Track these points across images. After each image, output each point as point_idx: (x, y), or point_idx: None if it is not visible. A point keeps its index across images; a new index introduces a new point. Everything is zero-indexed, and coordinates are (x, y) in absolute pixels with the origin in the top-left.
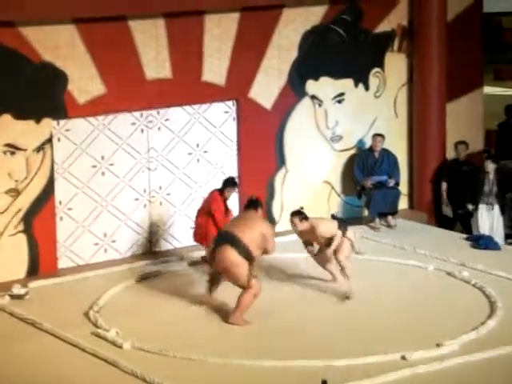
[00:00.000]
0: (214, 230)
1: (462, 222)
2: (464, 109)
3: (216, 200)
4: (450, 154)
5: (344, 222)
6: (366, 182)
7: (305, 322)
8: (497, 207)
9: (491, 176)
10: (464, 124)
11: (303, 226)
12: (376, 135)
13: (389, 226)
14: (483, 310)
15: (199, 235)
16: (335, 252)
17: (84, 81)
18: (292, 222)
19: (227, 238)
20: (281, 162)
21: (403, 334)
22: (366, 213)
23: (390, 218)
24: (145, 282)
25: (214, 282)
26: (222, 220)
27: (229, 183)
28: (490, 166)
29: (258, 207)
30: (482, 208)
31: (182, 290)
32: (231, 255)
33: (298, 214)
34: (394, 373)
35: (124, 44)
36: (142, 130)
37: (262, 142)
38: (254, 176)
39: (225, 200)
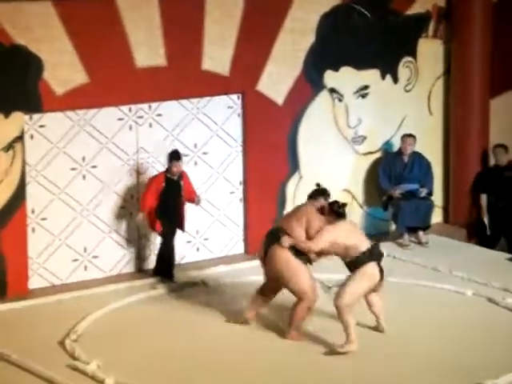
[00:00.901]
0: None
1: (507, 239)
2: (510, 106)
3: (154, 178)
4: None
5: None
6: (393, 190)
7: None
8: None
9: None
10: (510, 124)
11: None
12: (406, 136)
13: (420, 242)
14: None
15: (148, 221)
16: None
17: (62, 68)
18: None
19: (277, 235)
20: (294, 166)
21: (437, 371)
22: (393, 227)
23: (421, 233)
24: (131, 305)
25: (263, 295)
26: (156, 197)
27: (173, 156)
28: None
29: (316, 197)
30: None
31: (174, 315)
32: (282, 254)
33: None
34: None
35: (110, 25)
36: (131, 127)
37: (271, 142)
38: (262, 182)
39: (172, 175)
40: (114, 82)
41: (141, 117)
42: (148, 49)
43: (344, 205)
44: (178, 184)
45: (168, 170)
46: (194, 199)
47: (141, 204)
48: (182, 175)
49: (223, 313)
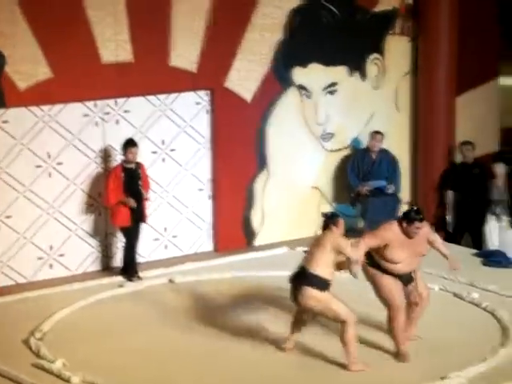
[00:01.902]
0: (122, 205)
1: (472, 236)
2: (477, 103)
3: (110, 172)
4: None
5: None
6: (361, 187)
7: (281, 356)
8: (507, 218)
9: (500, 182)
10: (476, 121)
11: None
12: (374, 133)
13: None
14: (494, 337)
15: (111, 217)
16: None
17: (26, 63)
18: None
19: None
20: (262, 163)
21: (403, 365)
22: (361, 223)
23: None
24: (98, 304)
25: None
26: (117, 191)
27: (128, 143)
28: (499, 171)
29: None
30: (491, 219)
31: (141, 313)
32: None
33: None
34: None
35: (75, 19)
36: (97, 123)
37: (240, 139)
38: (231, 180)
39: (129, 164)
40: (79, 77)
41: (107, 113)
42: (114, 44)
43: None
44: (136, 173)
45: (124, 161)
46: (146, 192)
47: (107, 199)
48: (139, 165)
49: (191, 311)
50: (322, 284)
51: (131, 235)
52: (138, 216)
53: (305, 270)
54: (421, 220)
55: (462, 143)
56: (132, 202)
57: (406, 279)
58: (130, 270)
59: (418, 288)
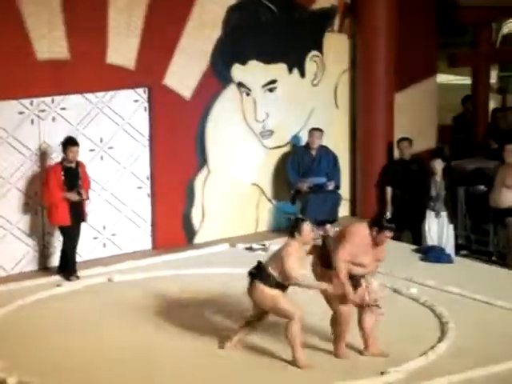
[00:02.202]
0: (60, 204)
1: (412, 231)
2: (415, 100)
3: (49, 170)
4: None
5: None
6: (301, 184)
7: (224, 357)
8: (445, 214)
9: (438, 178)
10: (415, 117)
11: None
12: (313, 130)
13: (327, 236)
14: (433, 331)
15: (49, 216)
16: None
17: None
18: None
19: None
20: (202, 161)
21: (341, 360)
22: None
23: (328, 226)
24: (35, 304)
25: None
26: (56, 189)
27: (68, 142)
28: (437, 167)
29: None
30: (430, 215)
31: (79, 313)
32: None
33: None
34: None
35: (8, 15)
36: (33, 121)
37: (179, 137)
38: (170, 177)
39: (69, 163)
40: (14, 75)
41: (43, 110)
42: (49, 41)
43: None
44: (76, 172)
45: (64, 159)
46: (85, 191)
47: (46, 197)
48: (79, 164)
49: (130, 309)
50: (274, 283)
51: (70, 234)
52: (78, 215)
53: (261, 267)
54: (392, 229)
55: (400, 140)
56: (74, 196)
57: (356, 281)
58: (68, 269)
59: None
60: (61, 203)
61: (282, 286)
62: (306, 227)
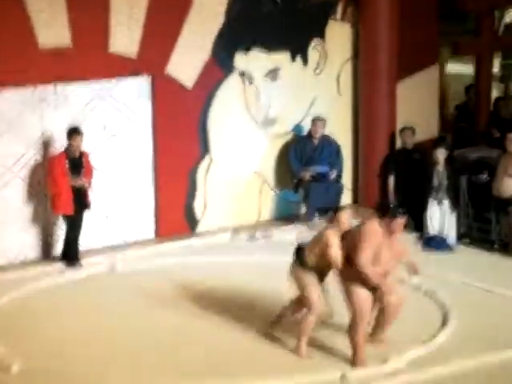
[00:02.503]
0: (64, 193)
1: (414, 220)
2: (417, 89)
3: (54, 159)
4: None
5: None
6: (303, 173)
7: (224, 341)
8: (447, 203)
9: (440, 167)
10: (417, 106)
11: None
12: (316, 119)
13: None
14: (434, 320)
15: (52, 205)
16: None
17: None
18: None
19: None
20: (204, 150)
21: (343, 348)
22: (303, 209)
23: None
24: (38, 292)
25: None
26: (61, 178)
27: (73, 130)
28: (440, 156)
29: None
30: (432, 204)
31: (82, 300)
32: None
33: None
34: None
35: (11, 3)
36: (35, 109)
37: (181, 125)
38: (172, 167)
39: (74, 152)
40: (16, 62)
41: (45, 99)
42: (52, 29)
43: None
44: (79, 162)
45: (68, 149)
46: (88, 181)
47: (49, 188)
48: (83, 154)
49: (132, 297)
50: (308, 268)
51: (73, 223)
52: (81, 204)
53: (300, 250)
54: (403, 214)
55: (402, 129)
56: (78, 181)
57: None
58: (70, 257)
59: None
60: (65, 192)
61: (318, 273)
62: (345, 215)
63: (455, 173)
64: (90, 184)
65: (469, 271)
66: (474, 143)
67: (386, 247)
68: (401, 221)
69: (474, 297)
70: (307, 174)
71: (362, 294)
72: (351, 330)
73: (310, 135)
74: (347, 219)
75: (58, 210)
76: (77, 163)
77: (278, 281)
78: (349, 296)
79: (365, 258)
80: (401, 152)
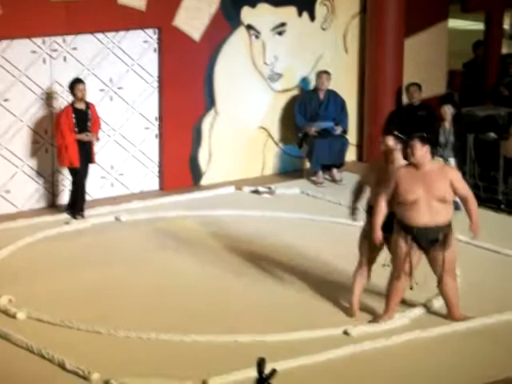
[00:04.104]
0: (71, 146)
1: None
2: (425, 45)
3: (60, 112)
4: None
5: None
6: (308, 128)
7: (229, 293)
8: (453, 161)
9: (447, 124)
10: (424, 63)
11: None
12: (321, 72)
13: (334, 180)
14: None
15: (59, 157)
16: None
17: None
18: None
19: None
20: (210, 103)
21: (345, 305)
22: (307, 165)
23: (335, 171)
24: (44, 241)
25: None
26: (68, 131)
27: (75, 81)
28: (447, 113)
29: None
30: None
31: (87, 251)
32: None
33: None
34: (336, 350)
35: None
36: (44, 60)
37: (187, 78)
38: (178, 119)
39: (79, 103)
40: (27, 13)
41: (55, 50)
42: None
43: None
44: (86, 114)
45: (74, 101)
46: (96, 133)
47: (57, 140)
48: (89, 106)
49: (137, 249)
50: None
51: (79, 175)
52: (87, 157)
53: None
54: (417, 138)
55: (409, 85)
56: (84, 137)
57: (426, 239)
58: (75, 208)
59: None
60: (71, 145)
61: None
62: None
63: (462, 131)
64: (97, 137)
65: None
66: (482, 101)
67: (416, 180)
68: (412, 145)
69: (480, 257)
70: (312, 129)
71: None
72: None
73: (315, 90)
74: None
75: (64, 162)
76: (84, 116)
77: (280, 236)
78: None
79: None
80: (406, 108)
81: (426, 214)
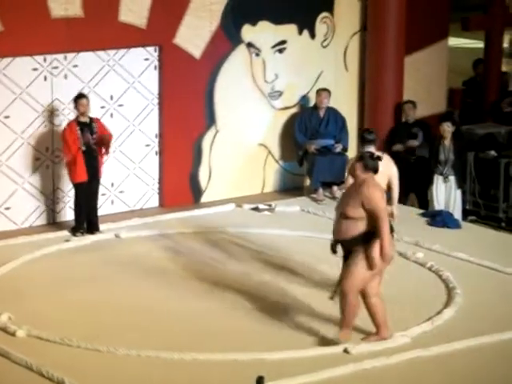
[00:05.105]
0: (78, 159)
1: (417, 195)
2: (425, 63)
3: (66, 127)
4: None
5: None
6: (308, 145)
7: (229, 310)
8: (453, 179)
9: (447, 142)
10: (425, 81)
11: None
12: (321, 90)
13: (334, 197)
14: (439, 297)
15: (69, 175)
16: None
17: None
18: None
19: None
20: (210, 120)
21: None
22: (307, 182)
23: (335, 188)
24: (44, 258)
25: None
26: (73, 145)
27: (77, 97)
28: (447, 130)
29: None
30: (438, 179)
31: (87, 268)
32: None
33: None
34: (335, 368)
35: None
36: (46, 78)
37: (188, 96)
38: (179, 136)
39: (83, 117)
40: (29, 31)
41: (56, 67)
42: None
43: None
44: (90, 127)
45: (78, 116)
46: (106, 136)
47: (66, 157)
48: (93, 120)
49: (136, 266)
50: None
51: (84, 191)
52: (93, 172)
53: None
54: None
55: (404, 102)
56: (89, 137)
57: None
58: (76, 225)
59: None
60: (79, 159)
61: None
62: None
63: (462, 148)
64: (109, 138)
65: (475, 248)
66: (482, 119)
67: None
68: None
69: (480, 275)
70: (312, 147)
71: None
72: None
73: (315, 107)
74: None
75: (74, 178)
76: (88, 128)
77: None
78: None
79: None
80: (401, 126)
81: (336, 227)
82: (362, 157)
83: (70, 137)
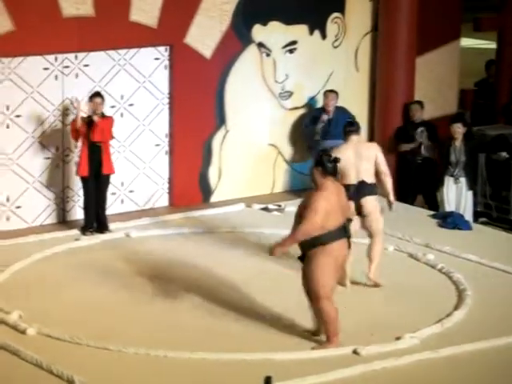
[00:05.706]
0: (82, 154)
1: (425, 196)
2: (437, 64)
3: (72, 123)
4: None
5: None
6: (322, 118)
7: (237, 309)
8: (464, 180)
9: (458, 143)
10: (436, 82)
11: None
12: (328, 92)
13: None
14: (450, 299)
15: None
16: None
17: None
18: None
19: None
20: (220, 120)
21: (356, 324)
22: None
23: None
24: (54, 256)
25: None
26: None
27: (92, 95)
28: (457, 131)
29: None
30: (449, 181)
31: (97, 266)
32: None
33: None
34: (344, 369)
35: None
36: (56, 77)
37: (198, 95)
38: (189, 136)
39: (94, 113)
40: (40, 30)
41: (67, 67)
42: None
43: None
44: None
45: (91, 114)
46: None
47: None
48: (104, 117)
49: (146, 265)
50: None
51: (92, 188)
52: (97, 167)
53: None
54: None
55: (411, 103)
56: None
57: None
58: (85, 224)
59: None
60: (83, 153)
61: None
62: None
63: (473, 150)
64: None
65: (485, 250)
66: (493, 121)
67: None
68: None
69: (490, 277)
70: (324, 117)
71: None
72: None
73: (323, 109)
74: None
75: (78, 171)
76: (91, 123)
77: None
78: None
79: None
80: (408, 126)
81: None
82: (319, 162)
83: (81, 130)
